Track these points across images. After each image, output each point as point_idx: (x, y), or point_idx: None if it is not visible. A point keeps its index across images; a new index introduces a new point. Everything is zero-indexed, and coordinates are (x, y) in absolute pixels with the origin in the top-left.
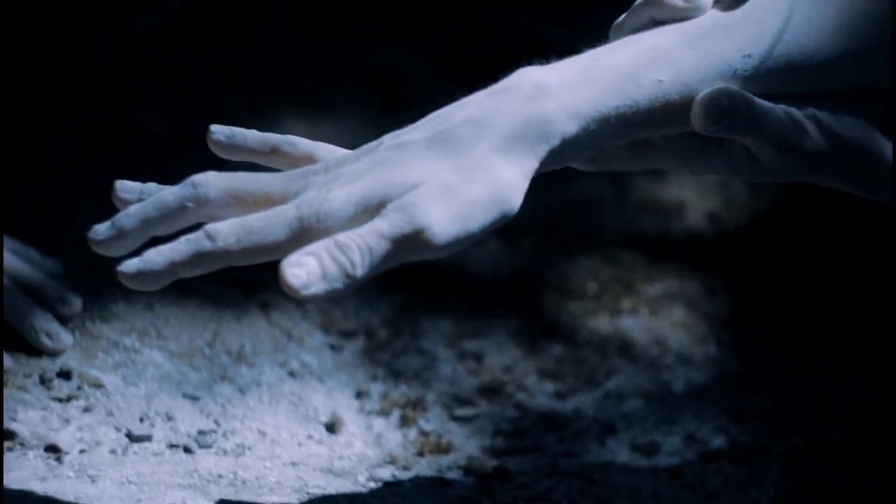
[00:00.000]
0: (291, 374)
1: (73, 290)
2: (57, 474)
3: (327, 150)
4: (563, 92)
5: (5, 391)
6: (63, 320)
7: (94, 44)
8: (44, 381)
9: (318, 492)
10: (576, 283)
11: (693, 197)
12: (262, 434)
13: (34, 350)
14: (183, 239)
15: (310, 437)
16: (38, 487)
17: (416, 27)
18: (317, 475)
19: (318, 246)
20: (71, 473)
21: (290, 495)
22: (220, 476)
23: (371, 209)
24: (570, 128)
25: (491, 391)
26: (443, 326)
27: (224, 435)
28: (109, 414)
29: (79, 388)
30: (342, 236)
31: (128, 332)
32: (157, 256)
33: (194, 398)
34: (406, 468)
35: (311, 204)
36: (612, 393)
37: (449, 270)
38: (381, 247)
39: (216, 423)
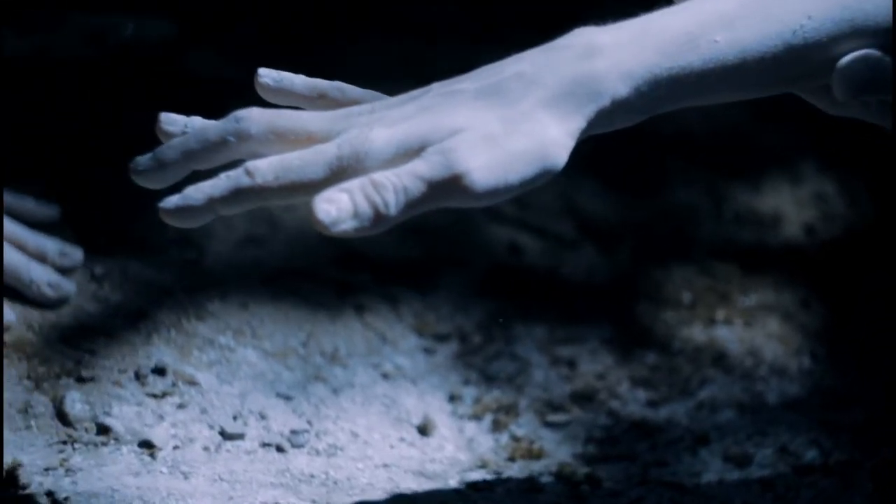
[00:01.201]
0: (385, 376)
1: (73, 240)
2: (150, 470)
3: (376, 97)
4: (615, 53)
5: (101, 386)
6: (64, 272)
7: None
8: (139, 376)
9: (409, 494)
10: (670, 291)
11: (790, 209)
12: (355, 435)
13: (38, 306)
14: (222, 175)
15: (402, 439)
16: (132, 482)
17: None
18: (408, 477)
19: (352, 183)
20: (164, 469)
21: (382, 497)
22: (312, 476)
23: (412, 152)
24: (621, 89)
25: (583, 398)
26: (536, 332)
27: (317, 435)
28: (203, 411)
29: (173, 384)
30: (378, 175)
31: (223, 330)
32: (196, 193)
33: (288, 398)
34: (497, 473)
35: (351, 143)
36: (706, 403)
37: (543, 276)
38: (416, 188)
39: (309, 422)
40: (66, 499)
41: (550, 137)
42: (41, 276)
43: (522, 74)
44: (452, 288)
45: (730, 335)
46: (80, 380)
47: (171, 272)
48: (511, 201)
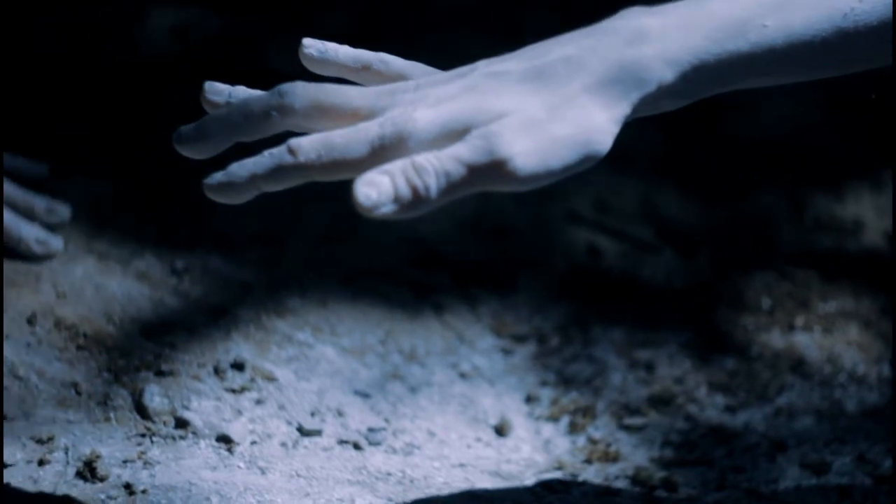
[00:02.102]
0: (462, 375)
1: (61, 197)
2: (228, 464)
3: (421, 70)
4: (662, 38)
5: (180, 380)
6: (52, 228)
7: None
8: (217, 371)
9: (484, 494)
10: (749, 297)
11: (870, 216)
12: (432, 434)
13: (28, 259)
14: (266, 153)
15: (478, 439)
16: (209, 476)
17: None
18: (484, 477)
19: (395, 165)
20: (241, 464)
21: (458, 496)
22: (389, 474)
23: (455, 134)
24: (667, 75)
25: (661, 401)
26: (614, 335)
27: (394, 433)
28: (281, 407)
29: (252, 380)
30: (420, 157)
31: (301, 326)
32: (239, 170)
33: (365, 395)
34: (573, 475)
35: (394, 122)
36: (784, 409)
37: (622, 279)
38: (458, 172)
39: (386, 420)
40: (143, 491)
41: (595, 124)
42: (30, 234)
43: (569, 58)
44: (531, 289)
45: (808, 341)
46: (160, 373)
47: (251, 268)
48: (591, 204)
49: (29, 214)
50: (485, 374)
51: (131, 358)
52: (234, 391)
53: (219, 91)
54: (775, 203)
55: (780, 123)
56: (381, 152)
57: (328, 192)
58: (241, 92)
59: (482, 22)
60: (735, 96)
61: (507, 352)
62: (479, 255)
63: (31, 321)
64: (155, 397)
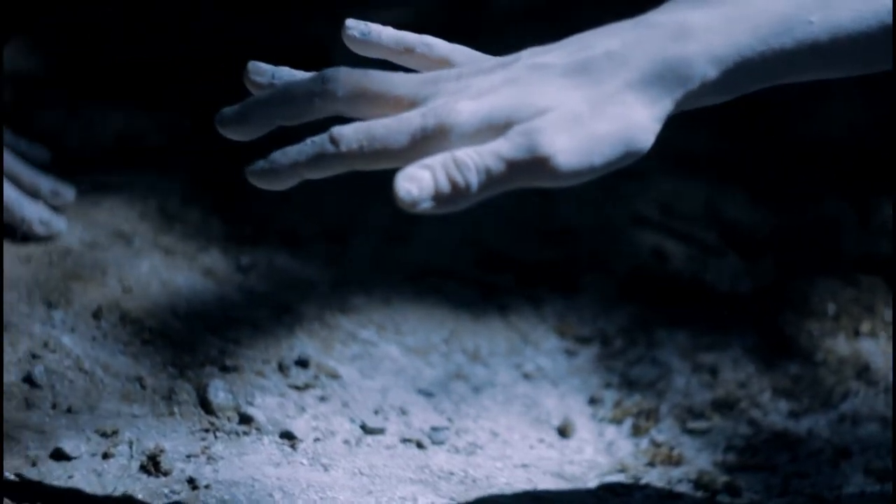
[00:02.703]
0: (525, 376)
1: (64, 179)
2: (291, 461)
3: (464, 54)
4: (706, 34)
5: (244, 376)
6: (56, 210)
7: None
8: (282, 368)
9: (547, 496)
10: (814, 302)
11: None
12: (495, 434)
13: (29, 240)
14: (308, 141)
15: (541, 440)
16: (272, 473)
17: None
18: (547, 479)
19: (435, 160)
20: (304, 461)
21: (520, 497)
22: (451, 473)
23: (496, 127)
24: (711, 72)
25: (725, 405)
26: (678, 338)
27: (457, 432)
28: (345, 405)
29: (316, 377)
30: (461, 153)
31: (365, 324)
32: (282, 158)
33: (429, 394)
34: (636, 478)
35: (436, 114)
36: (848, 415)
37: (687, 282)
38: (498, 169)
39: (449, 420)
40: (206, 486)
41: (637, 121)
42: (33, 214)
43: (612, 53)
44: (595, 291)
45: (874, 348)
46: (224, 369)
47: (315, 265)
48: (655, 207)
49: (33, 194)
50: (548, 375)
51: (196, 353)
52: (297, 388)
53: (262, 71)
54: (840, 208)
55: (845, 127)
56: (423, 143)
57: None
58: (285, 72)
59: (538, 23)
60: (801, 100)
61: (570, 353)
62: (543, 257)
63: (96, 315)
64: (219, 392)
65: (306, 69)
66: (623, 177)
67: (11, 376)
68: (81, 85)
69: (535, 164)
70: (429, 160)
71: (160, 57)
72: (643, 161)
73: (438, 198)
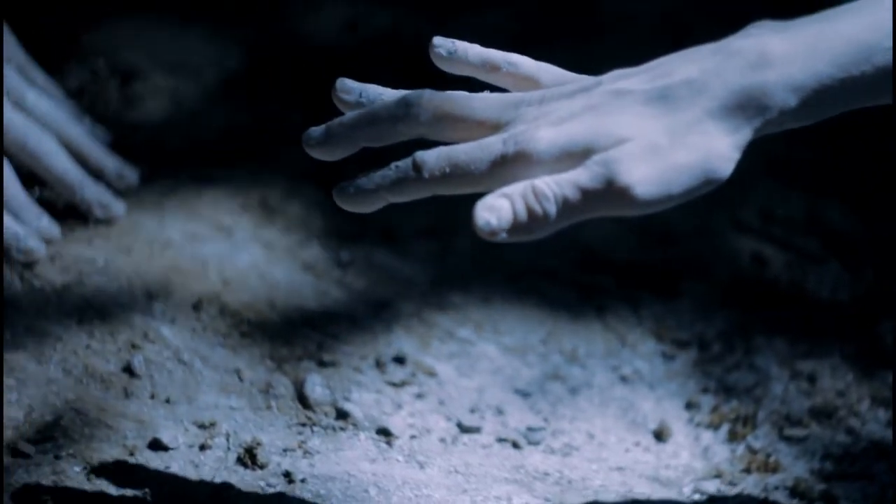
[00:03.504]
0: (623, 378)
1: (129, 161)
2: (386, 457)
3: (549, 73)
4: (786, 63)
5: (341, 371)
6: (119, 192)
7: None
8: (379, 364)
9: (642, 499)
10: None
11: None
12: (591, 436)
13: (87, 221)
14: (392, 166)
15: (637, 443)
16: (368, 469)
17: None
18: (642, 482)
19: (515, 189)
20: (400, 458)
21: (614, 500)
22: (547, 474)
23: (575, 155)
24: (790, 101)
25: (822, 413)
26: (777, 345)
27: (553, 433)
28: (441, 403)
29: (413, 374)
30: (540, 182)
31: (463, 323)
32: (366, 182)
33: (525, 394)
34: (732, 484)
35: (517, 141)
36: None
37: (786, 289)
38: (576, 198)
39: (545, 420)
40: (302, 480)
41: (716, 150)
42: (93, 196)
43: (692, 81)
44: (694, 295)
45: None
46: (322, 364)
47: (415, 263)
48: (756, 213)
49: (98, 174)
50: (645, 378)
51: (294, 347)
52: (394, 385)
53: (349, 90)
54: None
55: None
56: (503, 170)
57: None
58: (372, 91)
59: (650, 27)
60: None
61: (668, 357)
62: (643, 259)
63: (196, 307)
64: (316, 387)
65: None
66: (725, 183)
67: (111, 366)
68: (186, 78)
69: (614, 194)
70: (508, 189)
71: (267, 50)
72: (744, 168)
73: (517, 227)
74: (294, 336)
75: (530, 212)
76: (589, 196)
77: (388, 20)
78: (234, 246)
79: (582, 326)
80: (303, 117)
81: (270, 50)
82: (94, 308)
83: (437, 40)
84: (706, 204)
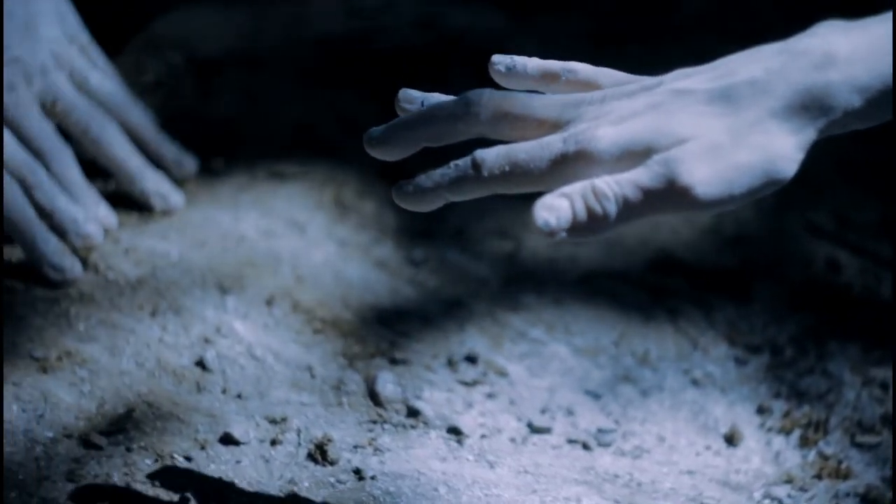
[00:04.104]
0: (694, 382)
1: (187, 150)
2: (457, 456)
3: (609, 76)
4: (851, 63)
5: (413, 369)
6: (177, 181)
7: None
8: (450, 363)
9: (712, 503)
10: None
11: None
12: (661, 439)
13: (145, 210)
14: (452, 164)
15: (708, 447)
16: (438, 467)
17: None
18: (712, 486)
19: (574, 189)
20: (470, 457)
21: (684, 503)
22: (617, 476)
23: (636, 155)
24: (855, 102)
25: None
26: (850, 351)
27: (623, 435)
28: (512, 402)
29: (484, 374)
30: (600, 182)
31: (535, 323)
32: (426, 181)
33: (596, 396)
34: (803, 489)
35: (577, 140)
36: None
37: (860, 295)
38: (636, 199)
39: (616, 422)
40: (372, 477)
41: (779, 151)
42: (152, 186)
43: (755, 81)
44: (766, 299)
45: None
46: (394, 361)
47: (487, 262)
48: (831, 217)
49: (157, 161)
50: (717, 382)
51: (366, 344)
52: (465, 384)
53: (411, 99)
54: None
55: None
56: (563, 169)
57: None
58: (434, 100)
59: (726, 27)
60: None
61: (740, 361)
62: (716, 263)
63: (269, 302)
64: (388, 385)
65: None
66: (798, 185)
67: (184, 359)
68: (261, 71)
69: (675, 194)
70: (568, 189)
71: (344, 45)
72: (818, 171)
73: (576, 227)
74: (366, 333)
75: (590, 211)
76: (649, 196)
77: (465, 19)
78: (307, 242)
79: (653, 329)
80: (378, 114)
81: (347, 45)
82: (168, 301)
83: (497, 58)
84: (779, 207)
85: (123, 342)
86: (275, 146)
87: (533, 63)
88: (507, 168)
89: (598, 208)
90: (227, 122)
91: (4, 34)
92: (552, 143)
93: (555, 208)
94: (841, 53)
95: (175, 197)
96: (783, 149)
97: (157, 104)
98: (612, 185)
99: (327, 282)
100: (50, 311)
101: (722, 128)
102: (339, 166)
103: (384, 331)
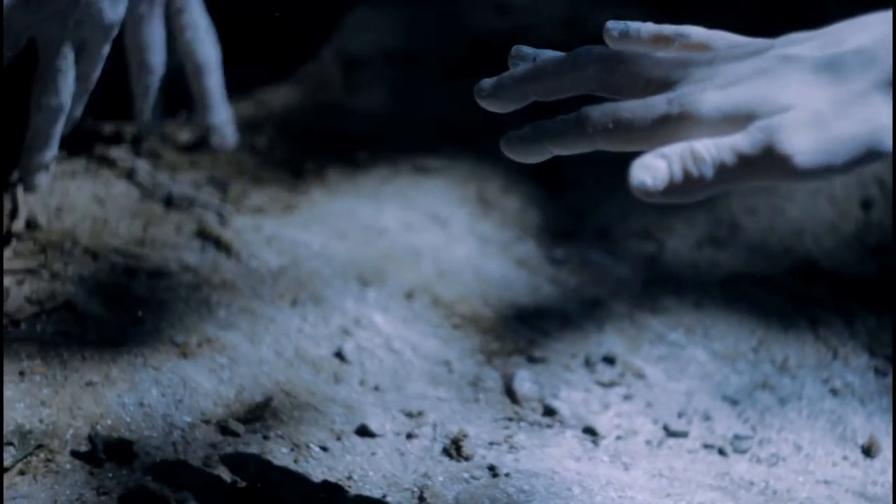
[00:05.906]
0: (833, 391)
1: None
2: (591, 456)
3: (723, 38)
4: None
5: (550, 368)
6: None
7: None
8: (588, 363)
9: None
10: None
11: None
12: (798, 447)
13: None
14: (557, 119)
15: (845, 457)
16: (572, 467)
17: None
18: (848, 497)
19: (674, 150)
20: (605, 458)
21: None
22: (752, 483)
23: (738, 120)
24: None
25: None
26: None
27: (759, 443)
28: (648, 405)
29: (621, 375)
30: (699, 145)
31: (674, 326)
32: (532, 133)
33: (734, 401)
34: None
35: (682, 102)
36: None
37: None
38: (734, 164)
39: (753, 429)
40: (507, 474)
41: (882, 123)
42: (221, 122)
43: (862, 50)
44: None
45: None
46: (532, 359)
47: (628, 263)
48: None
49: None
50: (857, 392)
51: (505, 341)
52: (603, 384)
53: (524, 55)
54: None
55: None
56: (665, 129)
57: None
58: (547, 55)
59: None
60: None
61: (880, 372)
62: (859, 271)
63: (409, 296)
64: (525, 383)
65: None
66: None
67: (322, 350)
68: (409, 67)
69: (773, 162)
70: (667, 149)
71: (489, 42)
72: None
73: (672, 188)
74: (505, 331)
75: (686, 174)
76: (747, 162)
77: (608, 19)
78: (449, 238)
79: (793, 336)
80: (522, 111)
81: (492, 42)
82: (308, 292)
83: (611, 23)
84: None
85: (263, 331)
86: (419, 140)
87: (647, 27)
88: (610, 125)
89: (694, 171)
90: (372, 115)
91: None
92: (657, 104)
93: (652, 168)
94: None
95: (231, 137)
96: (886, 122)
97: (305, 96)
98: (711, 149)
99: (468, 278)
100: (192, 298)
101: (826, 98)
102: (482, 162)
103: (523, 329)
